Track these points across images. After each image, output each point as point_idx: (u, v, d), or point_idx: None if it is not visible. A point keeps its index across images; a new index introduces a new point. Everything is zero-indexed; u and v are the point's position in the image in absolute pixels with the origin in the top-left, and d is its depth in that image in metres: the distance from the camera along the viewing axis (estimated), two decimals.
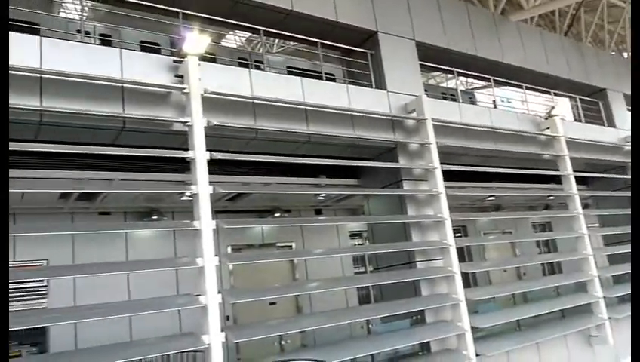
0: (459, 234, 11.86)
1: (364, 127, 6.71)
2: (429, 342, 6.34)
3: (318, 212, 10.56)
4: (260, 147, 6.17)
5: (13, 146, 4.60)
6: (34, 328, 6.71)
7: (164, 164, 6.30)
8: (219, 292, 4.74)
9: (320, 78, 7.36)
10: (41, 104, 4.60)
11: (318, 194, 8.95)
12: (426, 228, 6.84)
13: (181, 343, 5.01)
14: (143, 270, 5.76)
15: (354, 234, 11.20)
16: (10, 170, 5.35)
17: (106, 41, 8.54)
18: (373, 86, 7.41)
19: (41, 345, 7.79)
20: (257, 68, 9.54)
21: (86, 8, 8.64)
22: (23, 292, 7.81)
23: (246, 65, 9.52)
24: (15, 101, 4.47)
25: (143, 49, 8.32)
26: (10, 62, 4.43)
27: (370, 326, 8.16)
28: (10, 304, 7.52)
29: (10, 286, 7.43)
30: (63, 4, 10.35)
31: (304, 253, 9.62)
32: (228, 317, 8.43)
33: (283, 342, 8.56)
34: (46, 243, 7.44)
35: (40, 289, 7.92)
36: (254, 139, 6.01)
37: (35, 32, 6.51)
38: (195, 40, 5.31)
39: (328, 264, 9.87)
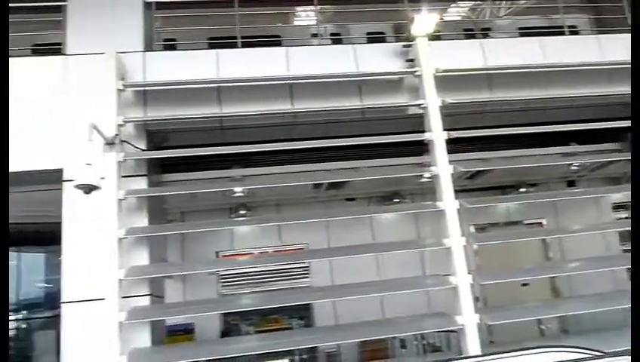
0: None
1: (623, 80, 5.72)
2: None
3: (571, 183, 9.44)
4: (497, 119, 5.81)
5: (270, 147, 5.27)
6: (300, 304, 7.71)
7: (401, 148, 6.43)
8: (469, 273, 4.64)
9: (560, 33, 6.54)
10: (293, 106, 5.16)
11: (571, 164, 7.99)
12: None
13: (435, 323, 5.06)
14: (392, 251, 6.01)
15: (618, 206, 9.66)
16: (267, 167, 6.23)
17: (336, 39, 9.13)
18: None
19: (307, 319, 8.81)
20: (485, 36, 9.01)
21: (316, 13, 9.34)
22: (289, 272, 8.92)
23: (473, 36, 9.09)
24: (269, 107, 5.14)
25: (370, 40, 8.65)
26: (263, 74, 5.11)
27: None
28: (278, 283, 8.65)
29: (278, 267, 8.67)
30: (296, 14, 11.41)
31: (559, 231, 8.73)
32: (477, 298, 8.21)
33: (543, 327, 7.95)
34: (305, 229, 8.30)
35: (303, 269, 8.93)
36: (492, 112, 5.69)
37: (277, 43, 7.34)
38: (423, 21, 5.27)
39: (587, 241, 8.74)
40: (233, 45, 5.69)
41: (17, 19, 6.73)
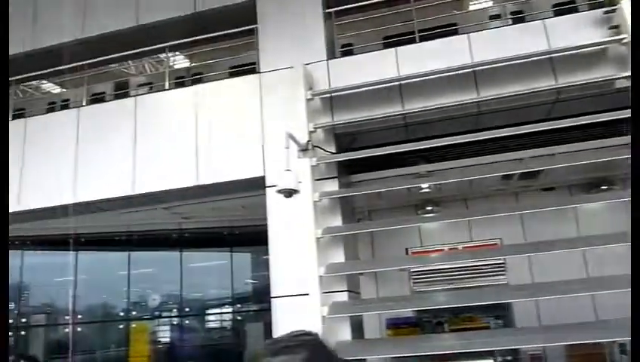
0: None
1: None
2: None
3: None
4: None
5: (455, 140, 5.06)
6: (497, 302, 7.29)
7: (603, 129, 5.69)
8: None
9: None
10: (478, 95, 4.93)
11: None
12: None
13: None
14: (605, 246, 5.32)
15: None
16: (453, 161, 6.01)
17: (518, 18, 8.47)
18: None
19: (505, 318, 8.30)
20: None
21: None
22: (483, 269, 8.52)
23: None
24: (454, 99, 4.98)
25: (557, 13, 7.84)
26: (445, 65, 4.96)
27: None
28: (471, 280, 8.31)
29: (470, 263, 8.34)
30: None
31: None
32: None
33: None
34: (497, 223, 7.86)
35: (498, 266, 8.46)
36: None
37: (454, 32, 7.08)
38: None
39: None
40: (410, 41, 5.66)
41: (213, 47, 7.70)
